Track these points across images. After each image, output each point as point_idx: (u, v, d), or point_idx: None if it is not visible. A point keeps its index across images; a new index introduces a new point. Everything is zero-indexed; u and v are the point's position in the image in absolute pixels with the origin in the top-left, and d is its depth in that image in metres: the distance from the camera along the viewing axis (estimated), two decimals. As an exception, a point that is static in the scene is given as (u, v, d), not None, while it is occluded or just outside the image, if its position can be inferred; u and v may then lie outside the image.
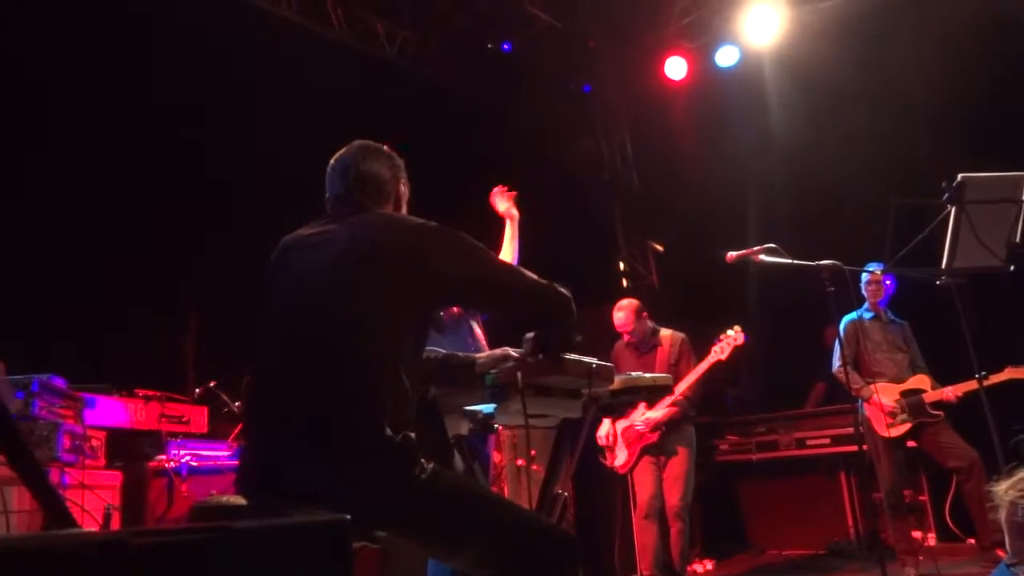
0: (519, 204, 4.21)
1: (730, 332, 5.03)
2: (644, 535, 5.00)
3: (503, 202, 4.17)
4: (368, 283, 1.97)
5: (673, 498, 4.91)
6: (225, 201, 5.98)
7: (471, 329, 4.10)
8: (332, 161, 2.30)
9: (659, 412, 4.97)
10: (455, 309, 4.06)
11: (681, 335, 5.19)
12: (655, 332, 5.22)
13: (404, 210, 2.35)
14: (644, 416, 5.03)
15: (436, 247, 2.05)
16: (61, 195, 5.22)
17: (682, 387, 4.88)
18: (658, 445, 5.02)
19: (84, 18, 5.36)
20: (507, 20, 7.54)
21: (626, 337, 5.24)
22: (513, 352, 2.25)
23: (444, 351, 2.33)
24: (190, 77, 5.75)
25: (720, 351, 5.00)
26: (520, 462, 5.80)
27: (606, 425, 5.24)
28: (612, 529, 5.86)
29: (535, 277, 2.15)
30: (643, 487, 5.05)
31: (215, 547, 0.85)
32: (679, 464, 4.96)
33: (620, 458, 5.18)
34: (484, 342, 4.09)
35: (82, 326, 5.19)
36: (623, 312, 5.22)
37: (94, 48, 5.38)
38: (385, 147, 2.35)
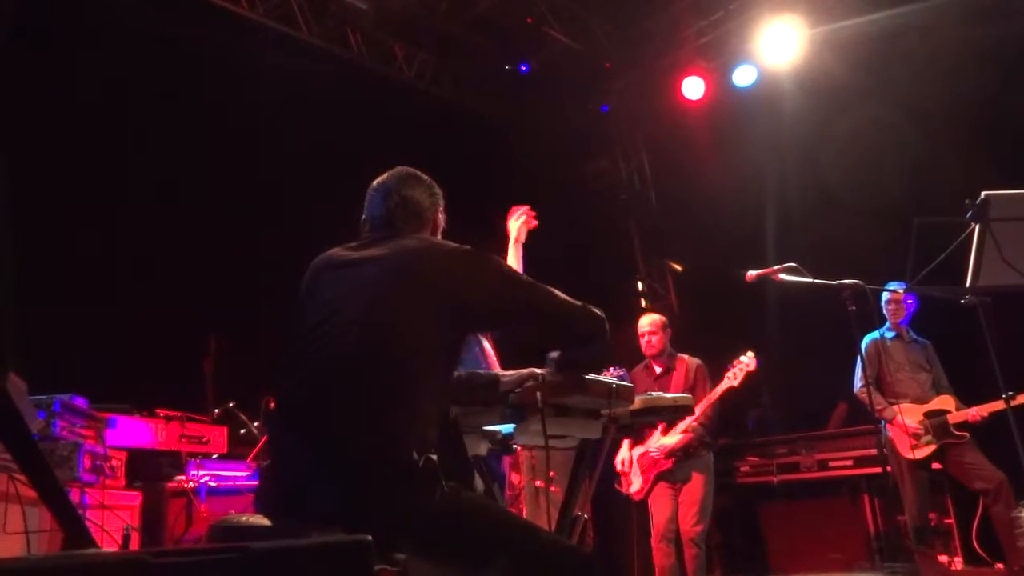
0: (533, 226, 4.10)
1: (743, 358, 4.99)
2: (661, 558, 4.94)
3: (516, 223, 4.03)
4: (400, 306, 1.97)
5: (687, 525, 4.85)
6: (246, 222, 6.03)
7: (482, 347, 4.06)
8: (373, 184, 2.32)
9: (673, 439, 4.92)
10: None
11: (697, 361, 5.16)
12: (672, 355, 5.19)
13: (439, 238, 2.35)
14: (659, 443, 4.98)
15: (469, 272, 2.06)
16: (84, 215, 5.28)
17: (695, 413, 4.83)
18: (673, 472, 4.97)
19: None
20: (525, 42, 7.59)
21: (648, 340, 5.20)
22: (538, 372, 2.24)
23: (465, 370, 2.32)
24: (215, 98, 5.84)
25: (733, 377, 4.96)
26: (539, 483, 5.76)
27: (624, 450, 5.20)
28: (630, 552, 5.79)
29: (568, 298, 2.15)
30: (659, 511, 4.99)
31: (234, 568, 0.85)
32: (694, 491, 4.90)
33: (635, 484, 5.13)
34: (494, 359, 4.05)
35: (104, 346, 5.23)
36: (651, 316, 5.28)
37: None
38: (426, 176, 2.36)
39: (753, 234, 7.35)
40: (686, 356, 5.19)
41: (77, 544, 1.08)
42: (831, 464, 6.24)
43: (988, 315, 3.32)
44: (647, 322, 5.22)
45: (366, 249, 2.13)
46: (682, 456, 4.94)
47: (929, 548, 5.03)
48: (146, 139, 5.72)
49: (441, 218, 2.38)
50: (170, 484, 4.50)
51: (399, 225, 2.21)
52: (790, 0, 6.92)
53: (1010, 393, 3.52)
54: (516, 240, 4.00)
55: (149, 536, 4.22)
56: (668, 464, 4.96)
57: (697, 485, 4.90)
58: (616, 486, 5.28)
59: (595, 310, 2.18)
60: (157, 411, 4.77)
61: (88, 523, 3.65)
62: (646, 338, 5.18)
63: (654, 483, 5.02)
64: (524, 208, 4.01)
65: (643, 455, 5.05)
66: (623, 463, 5.19)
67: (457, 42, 7.49)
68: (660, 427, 4.98)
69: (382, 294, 2.00)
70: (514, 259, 4.01)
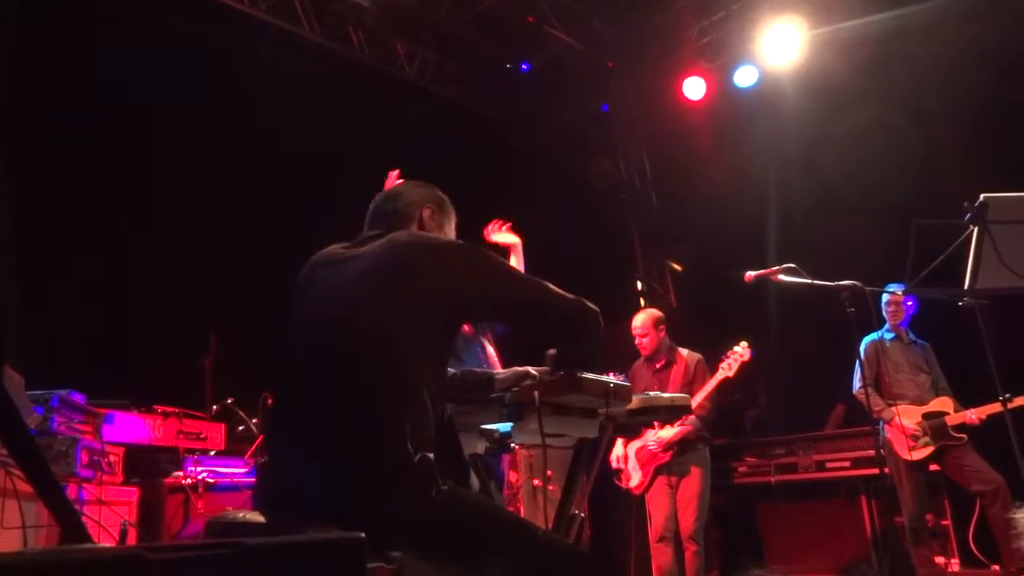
0: (534, 225, 4.14)
1: (737, 348, 5.01)
2: (660, 557, 4.95)
3: (500, 235, 4.09)
4: (393, 301, 1.97)
5: (687, 520, 4.87)
6: (245, 219, 6.03)
7: (483, 347, 4.07)
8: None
9: (671, 431, 4.94)
10: (466, 329, 4.02)
11: (697, 355, 5.17)
12: (672, 349, 5.20)
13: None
14: (656, 436, 5.00)
15: (460, 265, 2.05)
16: (83, 213, 5.28)
17: (692, 405, 4.85)
18: (671, 465, 4.98)
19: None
20: (526, 41, 7.58)
21: (639, 342, 5.20)
22: (533, 371, 2.25)
23: (462, 368, 2.32)
24: (215, 95, 5.84)
25: (728, 367, 4.98)
26: (536, 482, 5.76)
27: (619, 447, 5.22)
28: (628, 551, 5.80)
29: (562, 292, 2.14)
30: (657, 509, 5.01)
31: (229, 563, 0.85)
32: (693, 485, 4.92)
33: (634, 479, 5.14)
34: (496, 359, 4.07)
35: (102, 342, 5.23)
36: (642, 316, 5.25)
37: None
38: (435, 186, 2.38)
39: (753, 235, 7.36)
40: (685, 351, 5.20)
41: (73, 539, 1.08)
42: (829, 465, 6.24)
43: (986, 317, 3.32)
44: (638, 324, 5.21)
45: (360, 247, 2.14)
46: (679, 449, 4.95)
47: (926, 549, 5.04)
48: (145, 136, 5.72)
49: (448, 227, 2.35)
50: (168, 480, 4.51)
51: (394, 223, 2.22)
52: (791, 1, 6.92)
53: (1007, 395, 3.51)
54: (512, 247, 4.06)
55: (146, 532, 4.22)
56: (666, 457, 4.98)
57: (695, 479, 4.92)
58: (615, 481, 5.30)
59: (589, 304, 2.17)
60: (155, 407, 4.78)
61: (85, 519, 3.65)
62: (638, 340, 5.20)
63: (653, 477, 5.04)
64: (493, 224, 4.09)
65: (641, 448, 5.07)
66: (618, 460, 5.21)
67: (458, 40, 7.49)
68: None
69: (373, 290, 2.00)
70: (513, 263, 4.05)
